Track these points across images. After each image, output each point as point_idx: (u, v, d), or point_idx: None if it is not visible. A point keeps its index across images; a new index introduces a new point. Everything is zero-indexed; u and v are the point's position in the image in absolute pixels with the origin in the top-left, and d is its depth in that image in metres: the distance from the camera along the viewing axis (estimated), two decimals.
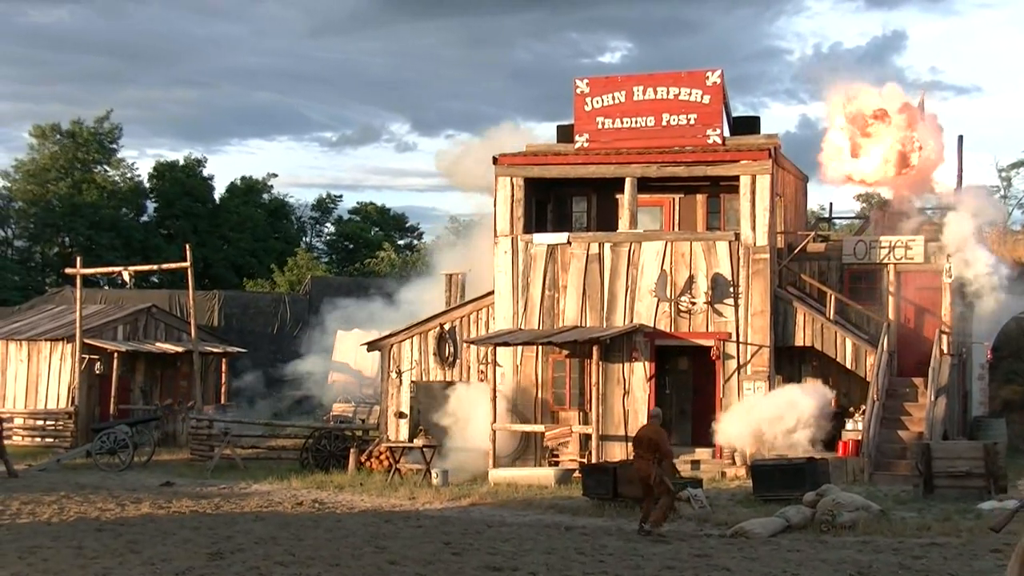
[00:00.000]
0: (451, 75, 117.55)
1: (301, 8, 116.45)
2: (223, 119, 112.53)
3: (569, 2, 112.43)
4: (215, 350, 40.18)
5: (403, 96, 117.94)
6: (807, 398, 27.05)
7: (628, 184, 29.46)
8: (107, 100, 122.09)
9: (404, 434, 30.83)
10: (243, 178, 70.69)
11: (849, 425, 27.52)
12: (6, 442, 30.81)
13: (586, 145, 30.20)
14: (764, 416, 26.86)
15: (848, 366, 27.99)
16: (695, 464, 27.42)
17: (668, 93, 29.76)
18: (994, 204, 34.84)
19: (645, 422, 21.72)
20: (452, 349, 31.23)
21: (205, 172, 68.39)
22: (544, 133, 32.05)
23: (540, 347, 29.42)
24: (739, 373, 28.23)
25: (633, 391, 28.78)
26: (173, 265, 42.66)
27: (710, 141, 29.32)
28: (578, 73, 30.69)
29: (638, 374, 28.84)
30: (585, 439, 28.61)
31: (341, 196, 79.10)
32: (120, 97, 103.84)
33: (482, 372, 30.15)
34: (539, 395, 29.71)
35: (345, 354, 40.91)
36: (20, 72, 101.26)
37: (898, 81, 32.13)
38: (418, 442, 29.11)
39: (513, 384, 29.80)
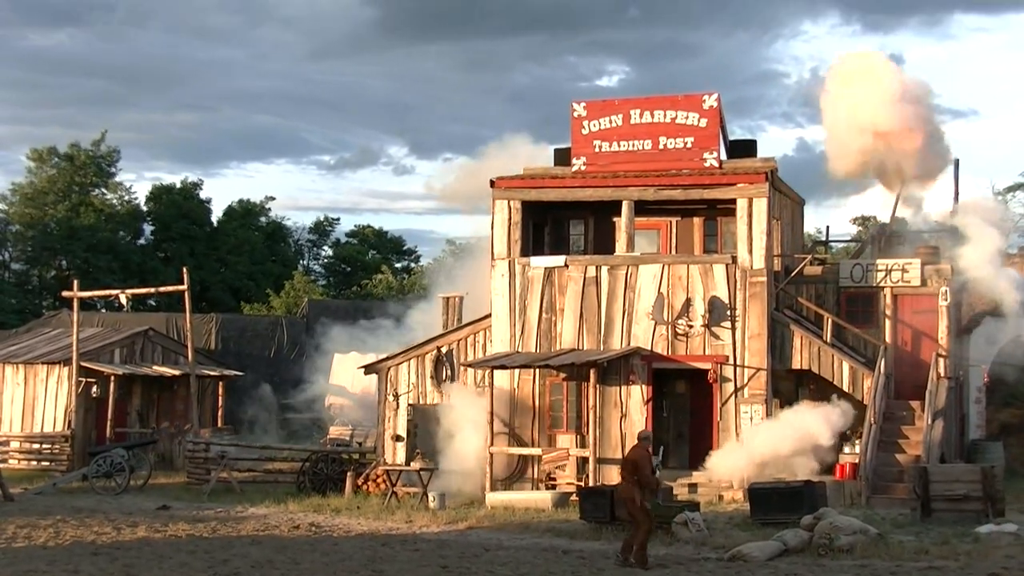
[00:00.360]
0: (450, 99, 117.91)
1: (301, 32, 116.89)
2: (222, 142, 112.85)
3: (568, 26, 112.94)
4: (212, 373, 40.16)
5: (402, 119, 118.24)
6: (809, 426, 26.81)
7: (625, 207, 29.49)
8: (106, 124, 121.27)
9: (401, 457, 30.78)
10: (240, 201, 70.85)
11: (846, 448, 27.48)
12: (2, 466, 30.77)
13: (583, 168, 30.23)
14: (762, 451, 26.66)
15: (845, 389, 27.96)
16: (692, 487, 27.35)
17: (665, 116, 29.82)
18: (1005, 219, 34.92)
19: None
20: (449, 372, 31.22)
21: (202, 195, 68.53)
22: (544, 153, 31.92)
23: (537, 370, 29.40)
24: (736, 396, 28.22)
25: (630, 414, 28.75)
26: (170, 288, 42.64)
27: (707, 164, 29.36)
28: (576, 97, 30.78)
29: (635, 397, 28.81)
30: (582, 462, 28.56)
31: (339, 219, 79.31)
32: (120, 121, 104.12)
33: (479, 395, 30.08)
34: (536, 418, 29.66)
35: (342, 377, 40.90)
36: (19, 95, 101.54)
37: None
38: (415, 465, 29.08)
39: (509, 407, 29.76)
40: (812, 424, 26.72)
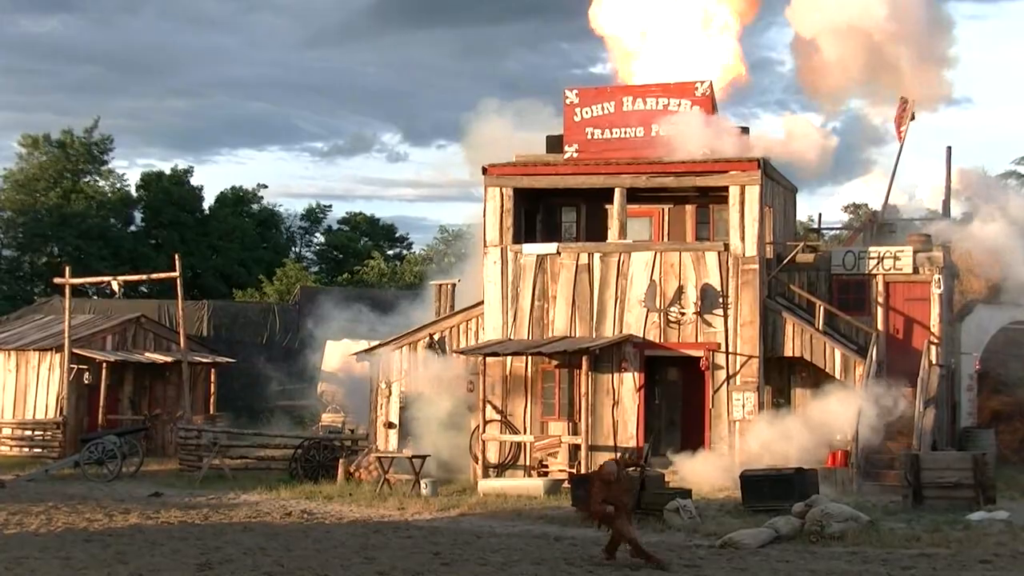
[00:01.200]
0: (443, 85, 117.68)
1: (295, 19, 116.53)
2: (215, 129, 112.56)
3: (561, 13, 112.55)
4: (204, 360, 40.10)
5: (395, 106, 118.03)
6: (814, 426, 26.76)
7: (617, 194, 29.48)
8: (98, 110, 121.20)
9: (393, 444, 30.80)
10: (232, 188, 70.76)
11: (838, 436, 27.50)
12: None
13: (575, 155, 30.21)
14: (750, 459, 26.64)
15: (837, 377, 27.99)
16: None
17: (657, 104, 29.81)
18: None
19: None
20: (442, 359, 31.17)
21: (193, 182, 68.42)
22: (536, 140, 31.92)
23: (529, 357, 29.40)
24: (728, 383, 28.25)
25: (622, 401, 28.77)
26: (162, 275, 42.55)
27: (699, 151, 29.32)
28: (570, 84, 30.70)
29: (627, 384, 28.83)
30: (574, 449, 28.58)
31: (330, 206, 79.12)
32: (112, 107, 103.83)
33: (471, 383, 30.12)
34: (528, 405, 29.66)
35: (334, 364, 40.88)
36: (11, 82, 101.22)
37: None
38: (407, 452, 29.08)
39: (502, 394, 29.78)
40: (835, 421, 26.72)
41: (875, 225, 32.55)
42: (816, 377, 28.63)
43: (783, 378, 29.32)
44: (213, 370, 40.21)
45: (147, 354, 39.28)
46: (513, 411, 29.70)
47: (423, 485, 27.28)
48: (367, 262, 64.29)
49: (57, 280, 39.58)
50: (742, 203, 28.46)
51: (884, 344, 28.98)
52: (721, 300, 28.44)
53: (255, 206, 71.77)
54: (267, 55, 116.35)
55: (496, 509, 24.76)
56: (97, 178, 65.86)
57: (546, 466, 29.04)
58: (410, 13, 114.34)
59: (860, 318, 29.32)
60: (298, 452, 31.20)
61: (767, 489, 23.05)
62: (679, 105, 29.58)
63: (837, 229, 45.18)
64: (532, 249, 30.01)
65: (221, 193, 70.06)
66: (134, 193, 66.81)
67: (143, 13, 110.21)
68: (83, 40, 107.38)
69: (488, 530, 21.87)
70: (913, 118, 31.64)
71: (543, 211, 32.35)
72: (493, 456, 29.28)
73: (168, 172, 67.81)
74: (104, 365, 37.07)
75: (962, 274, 33.01)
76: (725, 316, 28.42)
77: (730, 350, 28.33)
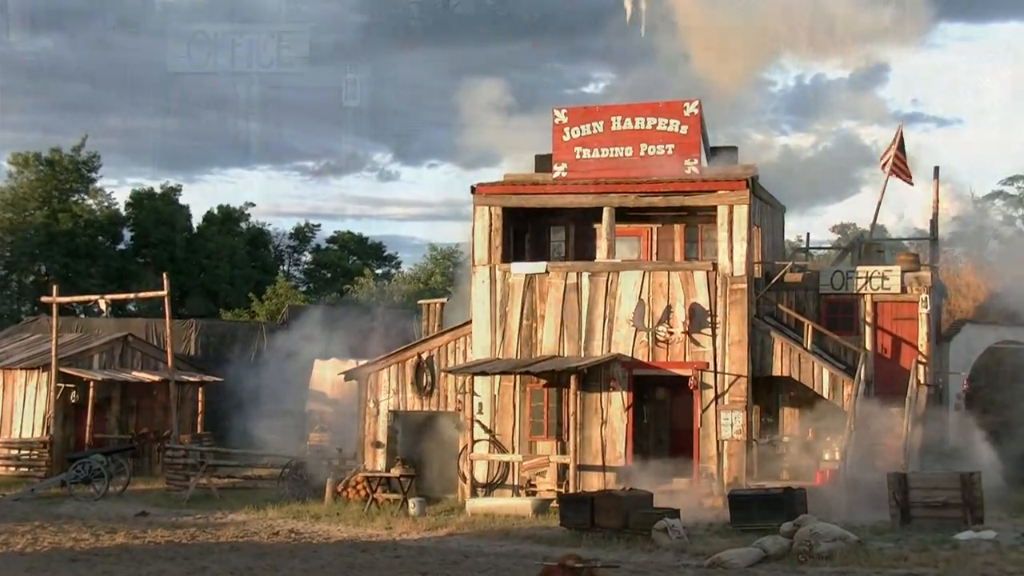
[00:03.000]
0: (436, 105, 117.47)
1: (288, 38, 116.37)
2: (205, 148, 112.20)
3: (553, 33, 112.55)
4: (191, 379, 40.00)
5: (388, 125, 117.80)
6: None
7: (606, 214, 29.51)
8: (89, 129, 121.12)
9: (381, 463, 30.74)
10: (220, 207, 70.68)
11: (826, 455, 27.52)
12: None
13: (564, 175, 30.24)
14: None
15: (825, 396, 28.02)
16: (671, 494, 27.31)
17: (646, 123, 29.86)
18: None
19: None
20: (430, 378, 31.18)
21: (183, 200, 68.38)
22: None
23: (518, 376, 29.37)
24: (716, 403, 28.24)
25: (611, 421, 28.75)
26: (150, 294, 42.50)
27: (688, 171, 29.40)
28: (563, 103, 30.71)
29: (616, 404, 28.81)
30: (563, 469, 28.54)
31: (319, 225, 79.06)
32: (102, 126, 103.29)
33: (459, 402, 30.11)
34: (516, 424, 29.63)
35: (322, 383, 40.76)
36: (1, 101, 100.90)
37: (880, 112, 32.17)
38: (395, 471, 29.03)
39: (491, 413, 29.74)
40: None
41: (862, 245, 32.59)
42: (804, 396, 28.64)
43: (771, 397, 29.34)
44: (201, 389, 40.11)
45: (134, 373, 39.18)
46: (501, 430, 29.66)
47: (411, 504, 27.24)
48: (357, 279, 64.26)
49: (44, 299, 39.49)
50: (730, 222, 28.49)
51: (872, 363, 29.02)
52: (709, 319, 28.45)
53: (243, 225, 71.76)
54: (259, 74, 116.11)
55: (484, 528, 24.72)
56: (85, 196, 65.79)
57: (534, 485, 29.00)
58: (403, 33, 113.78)
59: (848, 337, 29.36)
60: (286, 471, 31.12)
61: (755, 508, 23.05)
62: (668, 124, 29.64)
63: (825, 249, 45.32)
64: (521, 268, 30.00)
65: (209, 211, 70.05)
66: (123, 211, 66.75)
67: (135, 32, 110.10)
68: (74, 59, 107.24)
69: (476, 550, 21.83)
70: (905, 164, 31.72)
71: (532, 230, 32.37)
72: (481, 475, 29.23)
73: (158, 191, 67.81)
74: (91, 384, 36.95)
75: (950, 293, 33.11)
76: (713, 335, 28.43)
77: (718, 369, 28.32)
